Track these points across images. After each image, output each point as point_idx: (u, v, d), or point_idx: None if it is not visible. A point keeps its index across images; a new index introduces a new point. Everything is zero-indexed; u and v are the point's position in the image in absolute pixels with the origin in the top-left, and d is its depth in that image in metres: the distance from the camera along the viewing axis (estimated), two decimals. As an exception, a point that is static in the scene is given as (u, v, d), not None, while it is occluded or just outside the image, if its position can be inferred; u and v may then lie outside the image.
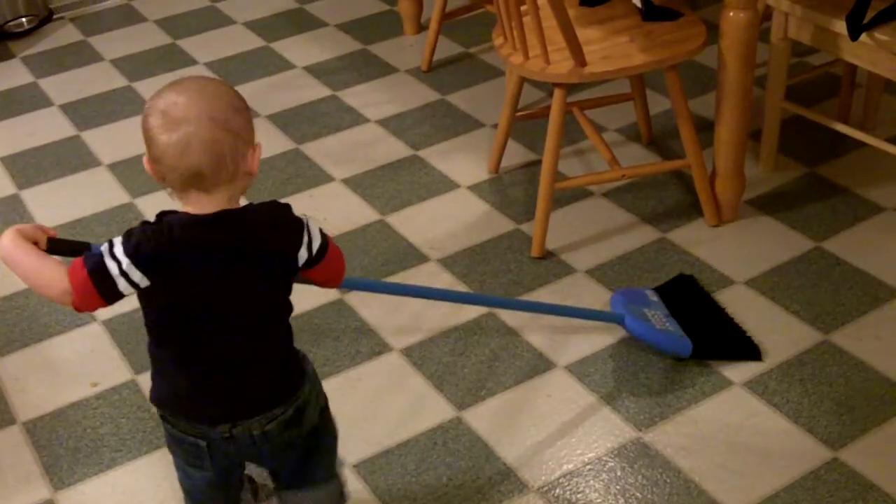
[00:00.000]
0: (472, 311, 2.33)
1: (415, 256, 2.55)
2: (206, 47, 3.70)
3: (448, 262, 2.51)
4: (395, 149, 3.00)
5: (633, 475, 1.90)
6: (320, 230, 1.46)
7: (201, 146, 1.30)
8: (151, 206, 2.83)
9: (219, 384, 1.44)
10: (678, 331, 2.16)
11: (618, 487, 1.88)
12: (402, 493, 1.90)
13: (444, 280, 2.44)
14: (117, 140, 3.17)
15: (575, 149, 2.88)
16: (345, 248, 2.51)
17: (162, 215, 1.35)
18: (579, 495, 1.87)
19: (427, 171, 2.89)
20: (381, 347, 2.26)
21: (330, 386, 2.14)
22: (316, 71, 3.48)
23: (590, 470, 1.92)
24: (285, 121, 3.20)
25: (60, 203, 2.88)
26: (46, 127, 3.28)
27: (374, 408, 2.11)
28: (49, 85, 3.53)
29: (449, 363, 2.20)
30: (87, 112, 3.35)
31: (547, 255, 2.49)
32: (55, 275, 1.34)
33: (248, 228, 1.37)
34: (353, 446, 2.00)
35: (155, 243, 1.32)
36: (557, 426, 2.03)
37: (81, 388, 2.21)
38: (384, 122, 3.14)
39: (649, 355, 2.17)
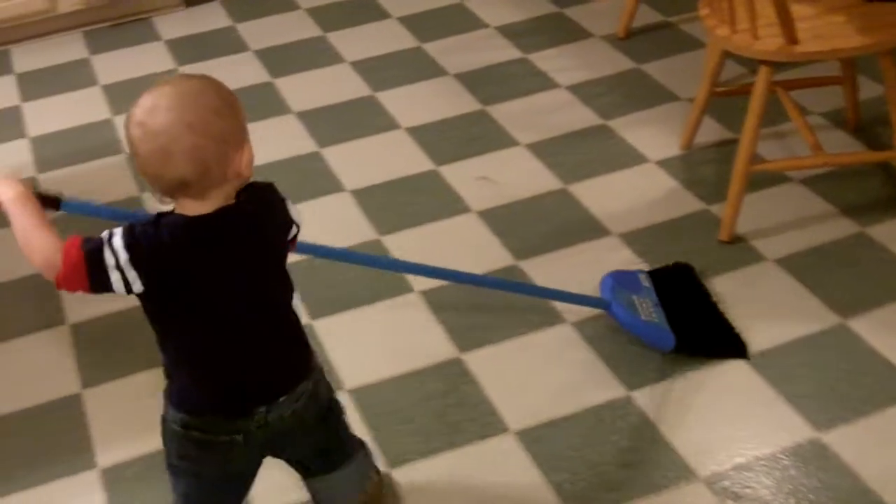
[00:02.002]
0: (651, 290, 2.32)
1: (595, 229, 2.55)
2: (401, 1, 3.77)
3: (629, 238, 2.50)
4: (584, 116, 3.00)
5: (807, 476, 1.86)
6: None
7: (183, 155, 1.29)
8: (337, 155, 2.93)
9: (249, 370, 1.46)
10: (663, 323, 2.14)
11: (790, 487, 1.85)
12: (564, 466, 1.93)
13: (622, 256, 2.44)
14: (309, 89, 3.29)
15: (774, 130, 2.80)
16: (523, 215, 2.61)
17: (160, 216, 1.36)
18: (748, 490, 1.85)
19: (615, 142, 2.87)
20: (553, 319, 2.28)
21: (498, 351, 2.20)
22: (508, 32, 3.50)
23: (762, 465, 1.90)
24: (472, 81, 3.24)
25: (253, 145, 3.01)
26: (241, 71, 3.43)
27: (541, 378, 2.14)
28: (246, 30, 3.69)
29: (622, 341, 2.19)
30: (282, 59, 3.48)
31: (735, 240, 2.44)
32: (47, 245, 1.34)
33: (248, 220, 1.39)
34: (517, 414, 2.04)
35: (153, 244, 1.32)
36: (731, 417, 2.00)
37: (258, 328, 2.32)
38: (574, 89, 3.14)
39: (837, 353, 2.11)
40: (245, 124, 1.38)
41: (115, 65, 3.55)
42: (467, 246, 2.53)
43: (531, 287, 2.32)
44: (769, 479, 1.87)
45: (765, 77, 2.30)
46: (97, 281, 1.32)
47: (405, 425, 2.04)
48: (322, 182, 2.83)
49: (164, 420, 1.53)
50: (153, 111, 1.29)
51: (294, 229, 1.48)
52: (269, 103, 3.23)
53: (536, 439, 1.99)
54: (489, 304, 2.32)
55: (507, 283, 2.33)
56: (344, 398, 2.10)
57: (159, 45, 3.66)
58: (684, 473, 1.89)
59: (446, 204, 2.69)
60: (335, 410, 1.67)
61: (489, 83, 3.22)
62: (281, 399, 1.50)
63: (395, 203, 2.71)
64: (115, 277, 1.31)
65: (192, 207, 1.35)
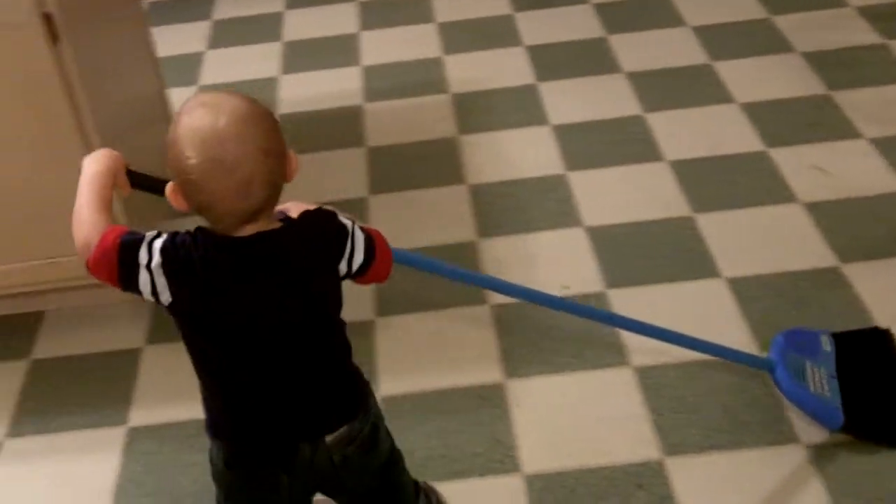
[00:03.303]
0: None
1: (935, 241, 2.36)
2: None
3: (974, 258, 2.30)
4: (943, 117, 2.78)
5: None
6: (366, 232, 1.37)
7: (262, 184, 1.23)
8: (661, 122, 2.87)
9: (283, 403, 1.38)
10: (834, 398, 1.92)
11: None
12: (856, 491, 1.81)
13: (962, 276, 2.25)
14: (643, 49, 3.25)
15: None
16: (856, 214, 2.46)
17: (198, 230, 1.29)
18: None
19: (975, 149, 2.64)
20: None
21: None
22: (870, 13, 3.29)
23: None
24: (820, 62, 3.08)
25: (572, 102, 3.02)
26: (576, 24, 3.44)
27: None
28: (588, -19, 3.69)
29: (946, 369, 2.03)
30: (619, 15, 3.45)
31: None
32: (90, 225, 1.32)
33: (285, 248, 1.29)
34: (811, 427, 1.93)
35: (186, 255, 1.26)
36: None
37: (552, 287, 2.32)
38: (936, 85, 2.91)
39: None
40: None
41: (454, 5, 3.66)
42: (786, 238, 2.42)
43: (683, 337, 2.02)
44: None
45: None
46: (126, 275, 1.28)
47: (689, 414, 1.99)
48: (640, 148, 2.79)
49: (210, 460, 1.46)
50: (223, 144, 1.21)
51: (344, 265, 1.34)
52: (599, 60, 3.22)
53: (830, 458, 1.88)
54: (802, 302, 2.21)
55: (650, 327, 2.05)
56: (629, 374, 2.08)
57: (499, -12, 3.73)
58: None
59: (771, 189, 2.57)
60: (396, 462, 1.56)
61: (839, 66, 3.04)
62: (328, 439, 1.41)
63: (715, 180, 2.63)
64: (143, 278, 1.27)
65: (243, 230, 1.27)
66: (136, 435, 2.08)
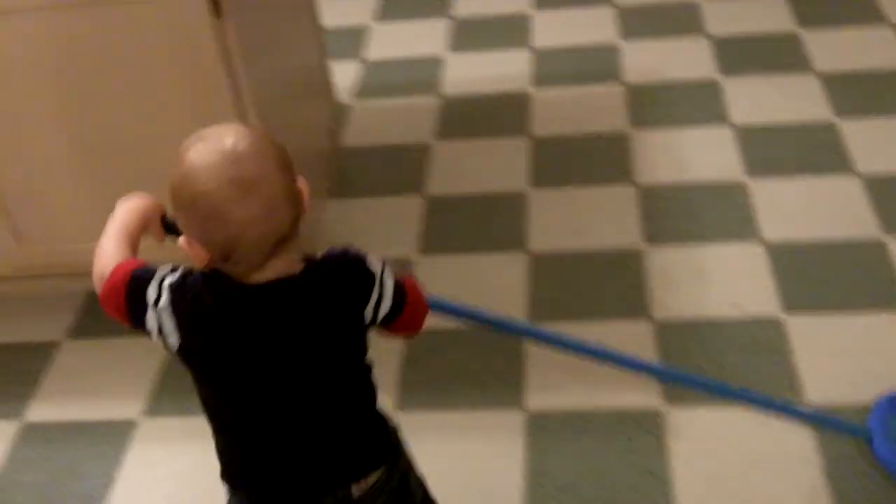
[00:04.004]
0: None
1: None
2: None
3: None
4: None
5: None
6: (397, 280, 1.25)
7: (286, 202, 1.12)
8: (855, 131, 2.66)
9: (305, 453, 1.28)
10: None
11: None
12: None
13: None
14: (839, 48, 3.03)
15: None
16: None
17: (215, 272, 1.17)
18: None
19: None
20: None
21: None
22: None
23: None
24: None
25: (757, 102, 2.82)
26: (767, 15, 3.23)
27: None
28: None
29: None
30: (817, 8, 3.23)
31: None
32: (109, 257, 1.24)
33: (304, 297, 1.18)
34: None
35: (195, 300, 1.16)
36: None
37: (722, 305, 2.16)
38: None
39: None
40: None
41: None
42: None
43: (766, 399, 1.86)
44: None
45: None
46: (133, 312, 1.20)
47: (865, 477, 1.79)
48: (829, 157, 2.58)
49: None
50: (239, 162, 1.10)
51: (369, 312, 1.24)
52: (790, 56, 3.01)
53: None
54: None
55: (726, 388, 1.92)
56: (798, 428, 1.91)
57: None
58: None
59: (976, 218, 2.34)
60: None
61: None
62: (355, 492, 1.31)
63: (912, 201, 2.41)
64: (150, 317, 1.19)
65: (267, 271, 1.17)
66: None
